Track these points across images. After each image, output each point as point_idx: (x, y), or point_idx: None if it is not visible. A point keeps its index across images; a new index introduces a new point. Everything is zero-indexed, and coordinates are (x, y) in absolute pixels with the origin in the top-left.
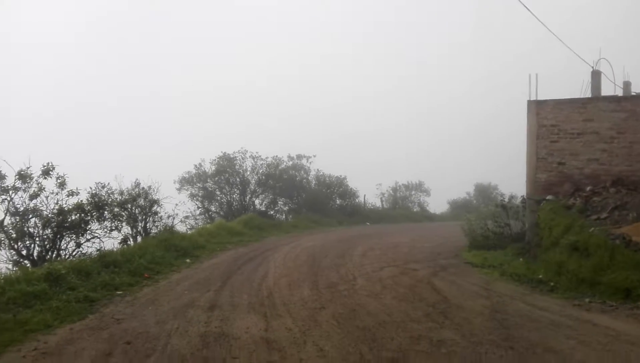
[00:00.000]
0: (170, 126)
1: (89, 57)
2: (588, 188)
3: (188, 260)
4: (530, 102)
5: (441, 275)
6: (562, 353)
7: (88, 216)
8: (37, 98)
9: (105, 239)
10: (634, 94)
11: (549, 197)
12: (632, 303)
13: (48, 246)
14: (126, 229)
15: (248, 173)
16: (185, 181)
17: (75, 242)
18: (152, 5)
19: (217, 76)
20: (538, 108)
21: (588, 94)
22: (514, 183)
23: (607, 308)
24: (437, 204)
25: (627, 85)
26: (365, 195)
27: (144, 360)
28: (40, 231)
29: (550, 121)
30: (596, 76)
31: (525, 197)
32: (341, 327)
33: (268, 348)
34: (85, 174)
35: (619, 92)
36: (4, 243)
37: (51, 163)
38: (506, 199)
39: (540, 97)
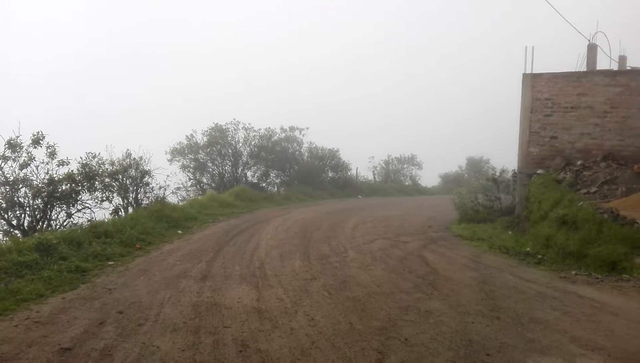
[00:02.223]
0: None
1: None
2: (579, 162)
3: (179, 231)
4: (525, 75)
5: (431, 247)
6: (547, 324)
7: (79, 186)
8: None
9: (96, 209)
10: (629, 68)
11: (539, 171)
12: (617, 276)
13: (39, 216)
14: (117, 200)
15: (240, 144)
16: (177, 152)
17: (66, 212)
18: None
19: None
20: (533, 81)
21: (584, 68)
22: (506, 156)
23: (592, 281)
24: (429, 177)
25: (622, 59)
26: (357, 168)
27: (136, 329)
28: (31, 201)
29: (545, 95)
30: (592, 49)
31: (516, 171)
32: (332, 297)
33: (260, 317)
34: (75, 144)
35: (615, 67)
36: None
37: (41, 131)
38: (497, 173)
39: (536, 71)
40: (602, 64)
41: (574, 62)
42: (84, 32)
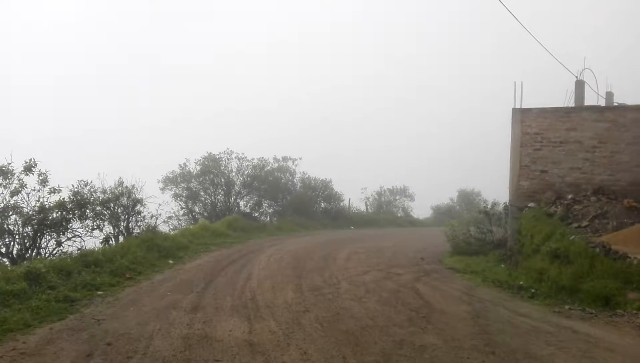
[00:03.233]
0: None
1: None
2: (569, 196)
3: (171, 261)
4: (515, 110)
5: (424, 280)
6: (542, 359)
7: (70, 214)
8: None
9: (86, 238)
10: (617, 104)
11: (531, 204)
12: (610, 311)
13: (28, 244)
14: (108, 228)
15: (233, 174)
16: (169, 181)
17: (55, 241)
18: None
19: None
20: (523, 116)
21: (572, 103)
22: (497, 190)
23: (586, 316)
24: (421, 209)
25: (609, 95)
26: (350, 199)
27: (124, 362)
28: (20, 229)
29: (534, 129)
30: (580, 85)
31: (507, 204)
32: (325, 330)
33: (251, 351)
34: (67, 171)
35: (602, 102)
36: None
37: (33, 159)
38: (489, 206)
39: (525, 106)
40: (590, 99)
41: (562, 97)
42: (78, 52)
